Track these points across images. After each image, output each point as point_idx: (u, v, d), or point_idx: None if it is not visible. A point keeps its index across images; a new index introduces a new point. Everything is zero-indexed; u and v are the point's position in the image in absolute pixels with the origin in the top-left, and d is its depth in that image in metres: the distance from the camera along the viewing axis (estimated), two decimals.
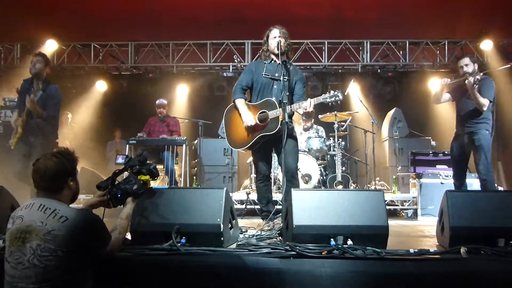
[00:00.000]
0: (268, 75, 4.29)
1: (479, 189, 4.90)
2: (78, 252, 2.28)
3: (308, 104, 4.02)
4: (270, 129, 4.11)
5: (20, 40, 9.13)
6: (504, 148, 8.94)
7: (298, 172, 4.79)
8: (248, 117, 4.21)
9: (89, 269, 2.37)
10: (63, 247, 2.22)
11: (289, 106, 4.06)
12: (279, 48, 4.14)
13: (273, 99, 4.17)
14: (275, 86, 4.26)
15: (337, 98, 4.04)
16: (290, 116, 4.25)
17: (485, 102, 4.75)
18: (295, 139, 4.37)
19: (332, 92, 4.08)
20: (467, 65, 4.93)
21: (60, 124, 8.02)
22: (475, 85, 4.65)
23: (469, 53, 8.85)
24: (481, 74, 4.83)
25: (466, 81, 4.71)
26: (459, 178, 5.06)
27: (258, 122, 4.19)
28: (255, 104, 4.30)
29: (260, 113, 4.20)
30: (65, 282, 2.22)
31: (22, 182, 4.85)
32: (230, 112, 4.44)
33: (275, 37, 4.28)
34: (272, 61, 4.37)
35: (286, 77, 4.11)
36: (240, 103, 4.32)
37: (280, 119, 3.98)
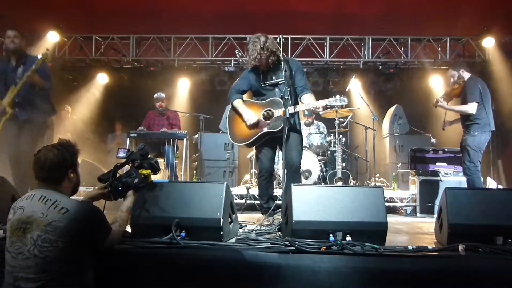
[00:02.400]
0: (266, 84, 4.24)
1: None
2: (78, 244, 2.29)
3: (318, 105, 3.98)
4: (274, 127, 4.08)
5: (22, 31, 9.08)
6: (504, 146, 8.94)
7: None
8: (249, 115, 4.17)
9: (89, 261, 2.38)
10: (64, 238, 2.23)
11: (294, 106, 4.05)
12: (269, 65, 4.15)
13: (279, 98, 4.13)
14: (276, 89, 4.23)
15: (342, 103, 4.00)
16: (293, 114, 4.22)
17: (469, 108, 4.93)
18: (300, 135, 4.31)
19: (337, 96, 4.02)
20: (452, 75, 5.20)
21: (60, 118, 8.10)
22: (439, 106, 5.20)
23: (471, 50, 8.90)
24: (441, 98, 5.21)
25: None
26: None
27: (262, 119, 4.17)
28: (261, 102, 4.26)
29: (265, 111, 4.17)
30: (65, 273, 2.23)
31: (15, 169, 4.51)
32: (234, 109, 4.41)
33: (255, 58, 4.11)
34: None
35: (283, 79, 4.01)
36: (238, 103, 4.28)
37: (281, 114, 3.96)
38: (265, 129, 4.14)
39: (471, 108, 4.91)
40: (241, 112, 4.24)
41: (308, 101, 4.10)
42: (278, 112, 4.09)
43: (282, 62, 4.11)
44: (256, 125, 4.18)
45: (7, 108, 4.59)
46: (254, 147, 4.50)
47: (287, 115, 3.80)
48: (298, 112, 4.25)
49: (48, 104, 4.92)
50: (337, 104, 4.02)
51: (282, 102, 4.02)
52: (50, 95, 4.96)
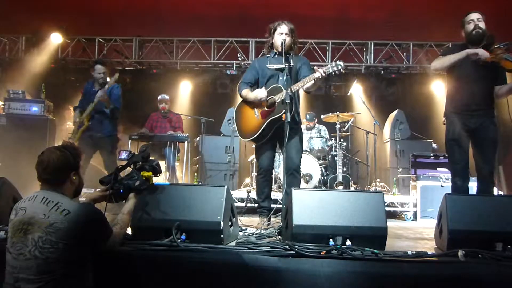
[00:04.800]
0: (273, 67, 4.28)
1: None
2: (79, 245, 2.30)
3: (319, 75, 3.91)
4: (278, 112, 4.06)
5: (25, 33, 9.17)
6: (505, 152, 8.92)
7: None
8: (258, 92, 4.17)
9: (89, 262, 2.39)
10: (65, 240, 2.24)
11: (297, 84, 4.05)
12: (283, 47, 4.12)
13: (279, 85, 4.14)
14: (280, 78, 4.22)
15: (339, 67, 3.95)
16: (295, 98, 4.18)
17: None
18: (300, 136, 4.33)
19: (333, 62, 4.00)
20: (480, 20, 3.93)
21: (63, 120, 8.12)
22: None
23: None
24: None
25: None
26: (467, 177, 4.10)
27: (266, 108, 4.18)
28: None
29: (268, 99, 4.17)
30: (66, 274, 2.24)
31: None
32: (240, 108, 4.42)
33: (281, 34, 4.23)
34: (276, 55, 4.35)
35: (291, 64, 4.09)
36: (246, 92, 4.30)
37: (283, 119, 3.95)
38: (271, 117, 4.11)
39: None
40: (249, 97, 4.25)
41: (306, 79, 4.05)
42: (279, 97, 4.07)
43: (292, 54, 4.26)
44: (261, 115, 4.18)
45: (85, 120, 5.64)
46: (254, 146, 4.50)
47: (288, 120, 3.79)
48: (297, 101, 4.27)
49: (114, 121, 5.83)
50: (334, 69, 3.95)
51: (283, 87, 4.03)
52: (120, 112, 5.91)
